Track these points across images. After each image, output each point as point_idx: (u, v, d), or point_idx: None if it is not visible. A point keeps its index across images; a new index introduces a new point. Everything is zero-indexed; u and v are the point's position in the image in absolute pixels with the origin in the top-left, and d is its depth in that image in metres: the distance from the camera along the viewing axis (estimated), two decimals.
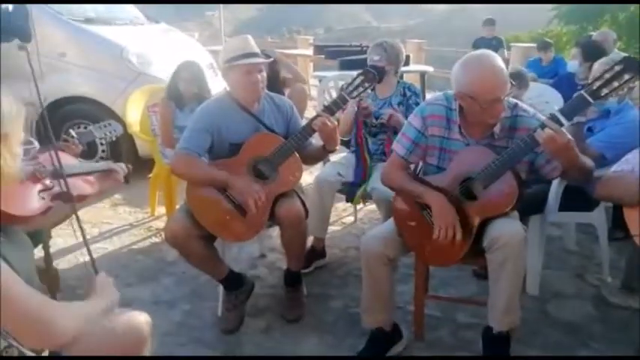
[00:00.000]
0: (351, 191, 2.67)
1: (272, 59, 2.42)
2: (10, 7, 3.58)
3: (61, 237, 2.84)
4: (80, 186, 1.80)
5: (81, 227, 1.54)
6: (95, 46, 3.96)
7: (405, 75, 4.81)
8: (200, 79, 3.30)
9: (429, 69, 5.98)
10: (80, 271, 2.68)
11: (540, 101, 3.07)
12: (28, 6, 3.75)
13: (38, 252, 2.31)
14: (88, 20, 4.12)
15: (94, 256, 2.95)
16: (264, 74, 2.23)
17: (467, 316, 2.30)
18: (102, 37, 3.99)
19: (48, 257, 2.33)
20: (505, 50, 6.81)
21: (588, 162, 1.85)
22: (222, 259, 2.28)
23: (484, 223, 1.87)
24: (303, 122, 2.32)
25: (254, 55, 2.18)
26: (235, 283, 2.30)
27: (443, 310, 2.34)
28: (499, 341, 1.90)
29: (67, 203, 1.64)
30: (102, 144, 3.83)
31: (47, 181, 1.66)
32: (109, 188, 1.96)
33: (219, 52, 2.36)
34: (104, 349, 1.33)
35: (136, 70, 3.92)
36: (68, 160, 1.88)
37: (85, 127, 3.68)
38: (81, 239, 2.32)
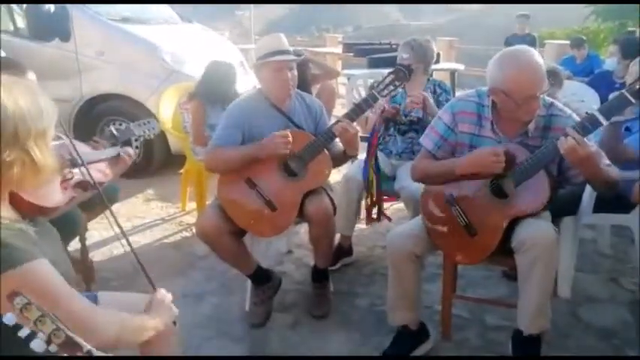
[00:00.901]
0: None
1: (302, 57, 2.43)
2: (52, 7, 3.72)
3: (97, 230, 2.93)
4: (97, 173, 1.86)
5: (119, 225, 1.60)
6: (131, 44, 4.07)
7: (435, 73, 4.75)
8: (230, 77, 3.35)
9: (460, 67, 5.89)
10: (114, 263, 2.77)
11: (575, 100, 2.99)
12: (69, 6, 3.92)
13: (75, 244, 2.41)
14: (125, 20, 4.24)
15: (128, 249, 3.04)
16: (295, 72, 2.24)
17: (496, 317, 2.27)
18: (138, 37, 4.10)
19: (84, 249, 2.42)
20: (537, 47, 6.64)
21: (613, 173, 1.79)
22: (251, 255, 2.31)
23: (514, 223, 1.84)
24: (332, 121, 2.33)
25: (285, 52, 2.20)
26: (263, 278, 2.33)
27: (471, 311, 2.32)
28: (529, 344, 1.87)
29: (86, 191, 1.71)
30: (136, 140, 3.94)
31: (67, 171, 1.72)
32: (121, 171, 2.02)
33: (249, 50, 2.39)
34: (135, 338, 1.37)
35: (169, 69, 4.01)
36: (81, 148, 1.94)
37: (120, 124, 3.81)
38: (116, 232, 2.38)
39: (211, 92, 3.28)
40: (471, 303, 2.34)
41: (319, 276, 2.40)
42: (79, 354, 0.86)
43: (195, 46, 4.48)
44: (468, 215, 1.89)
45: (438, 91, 2.75)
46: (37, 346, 0.83)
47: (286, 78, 2.19)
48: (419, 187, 2.15)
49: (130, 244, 1.58)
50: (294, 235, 3.00)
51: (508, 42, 6.56)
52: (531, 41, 6.69)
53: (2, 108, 0.98)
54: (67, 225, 2.10)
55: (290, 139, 2.09)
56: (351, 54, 6.32)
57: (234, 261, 2.28)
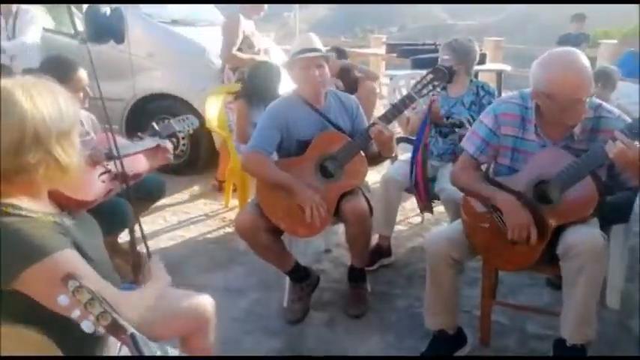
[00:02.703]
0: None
1: (331, 55, 2.44)
2: (108, 10, 3.90)
3: (146, 224, 3.05)
4: (134, 165, 1.92)
5: (139, 223, 1.66)
6: (180, 46, 4.21)
7: (480, 74, 4.65)
8: (273, 78, 3.41)
9: (506, 68, 5.73)
10: (162, 255, 2.87)
11: (629, 102, 2.85)
12: (123, 10, 4.11)
13: (125, 236, 2.53)
14: (174, 22, 4.39)
15: (172, 243, 3.15)
16: (325, 70, 2.24)
17: (537, 326, 2.21)
18: (186, 38, 4.24)
19: (133, 241, 2.54)
20: (585, 45, 6.36)
21: None
22: (289, 252, 2.35)
23: (560, 229, 1.78)
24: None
25: (311, 50, 2.21)
26: (301, 276, 2.37)
27: (511, 318, 2.26)
28: (573, 354, 1.81)
29: (123, 183, 1.78)
30: (183, 138, 4.08)
31: (104, 164, 1.80)
32: (160, 164, 2.09)
33: None
34: (172, 325, 1.43)
35: (215, 69, 4.13)
36: (119, 141, 2.03)
37: (163, 121, 3.94)
38: (164, 226, 2.47)
39: (255, 92, 3.35)
40: (511, 310, 2.29)
41: (356, 276, 2.41)
42: (123, 336, 0.92)
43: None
44: None
45: (482, 93, 2.70)
46: (87, 327, 0.89)
47: (314, 75, 2.21)
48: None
49: (145, 242, 1.68)
50: (333, 234, 3.02)
51: (561, 41, 6.32)
52: (585, 41, 6.42)
53: (21, 112, 1.00)
54: (116, 217, 2.22)
55: (318, 213, 2.09)
56: (395, 55, 6.27)
57: (271, 258, 2.32)
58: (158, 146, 2.06)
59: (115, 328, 0.91)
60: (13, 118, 1.00)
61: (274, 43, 5.64)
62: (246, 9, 3.90)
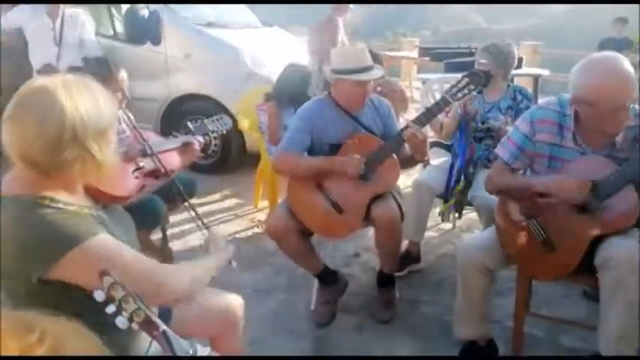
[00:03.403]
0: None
1: (382, 75, 2.45)
2: (146, 13, 4.01)
3: (176, 223, 3.11)
4: (167, 161, 1.97)
5: (194, 209, 1.70)
6: (215, 47, 4.28)
7: (516, 78, 4.56)
8: (305, 80, 3.43)
9: (544, 72, 5.59)
10: (191, 253, 2.93)
11: None
12: (160, 12, 4.22)
13: (156, 233, 2.59)
14: (210, 24, 4.47)
15: (201, 242, 3.18)
16: (370, 86, 2.25)
17: (573, 339, 2.14)
18: (220, 40, 4.30)
19: (164, 238, 2.59)
20: (628, 51, 6.13)
21: None
22: (317, 255, 2.35)
23: (598, 239, 1.72)
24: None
25: (369, 68, 2.19)
26: (330, 279, 2.36)
27: (545, 331, 2.20)
28: None
29: (158, 179, 1.82)
30: (215, 138, 4.14)
31: (138, 161, 1.85)
32: (190, 160, 2.13)
33: None
34: (202, 323, 1.45)
35: (249, 71, 4.18)
36: (153, 138, 2.07)
37: (197, 121, 4.00)
38: (194, 225, 2.50)
39: (286, 94, 3.37)
40: (545, 321, 2.22)
41: (385, 281, 2.39)
42: (155, 332, 0.93)
43: (274, 49, 4.63)
44: (547, 230, 1.79)
45: (519, 97, 2.64)
46: (121, 322, 0.91)
47: (365, 93, 2.21)
48: (494, 197, 2.08)
49: (204, 223, 1.74)
50: (362, 238, 3.00)
51: (602, 46, 6.12)
52: (628, 46, 6.20)
53: (61, 109, 1.03)
54: (149, 214, 2.27)
55: (361, 166, 2.09)
56: (428, 58, 6.21)
57: (300, 260, 2.32)
58: (189, 143, 2.11)
59: (148, 325, 0.93)
60: (53, 116, 1.03)
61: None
62: (334, 9, 4.13)
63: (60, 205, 1.08)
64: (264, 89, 3.74)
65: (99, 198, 1.26)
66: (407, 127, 2.12)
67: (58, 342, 0.46)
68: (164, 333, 0.94)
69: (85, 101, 1.07)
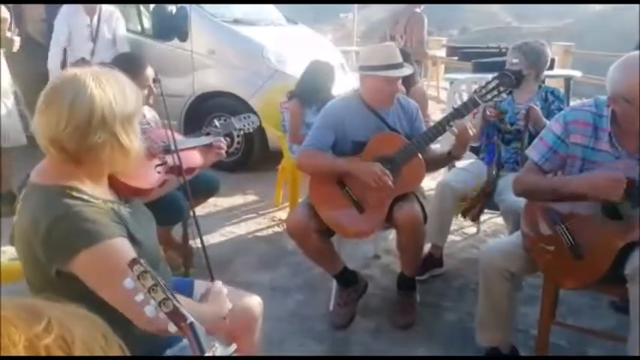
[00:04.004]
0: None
1: (411, 73, 2.41)
2: (174, 9, 4.06)
3: (198, 219, 3.12)
4: (189, 159, 1.98)
5: (196, 221, 1.68)
6: (240, 44, 4.29)
7: (547, 80, 4.42)
8: (328, 79, 3.40)
9: (576, 74, 5.42)
10: (211, 250, 2.92)
11: None
12: (188, 8, 4.25)
13: (177, 229, 2.59)
14: (236, 21, 4.49)
15: (222, 239, 3.19)
16: (399, 85, 2.22)
17: (599, 350, 2.06)
18: (246, 37, 4.31)
19: (186, 235, 2.60)
20: None
21: None
22: (338, 255, 2.32)
23: (629, 248, 1.64)
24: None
25: (399, 65, 2.15)
26: (349, 280, 2.33)
27: (571, 341, 2.12)
28: None
29: (178, 176, 1.82)
30: (238, 135, 4.15)
31: (161, 156, 1.86)
32: (213, 160, 2.13)
33: (350, 52, 2.40)
34: (220, 321, 1.43)
35: (272, 68, 4.17)
36: (178, 137, 2.08)
37: (225, 120, 4.02)
38: (215, 222, 2.49)
39: (309, 92, 3.35)
40: (571, 332, 2.14)
41: (405, 284, 2.35)
42: (182, 324, 0.92)
43: (299, 47, 4.61)
44: (575, 236, 1.72)
45: (550, 98, 2.55)
46: (150, 311, 0.90)
47: (394, 90, 2.17)
48: (521, 201, 2.01)
49: (202, 240, 1.69)
50: (383, 240, 2.95)
51: None
52: None
53: (91, 95, 1.09)
54: (172, 211, 2.28)
55: (386, 180, 2.05)
56: (455, 58, 6.10)
57: (320, 259, 2.30)
58: (212, 143, 2.11)
59: (176, 316, 0.92)
60: (84, 101, 1.08)
61: (331, 44, 5.64)
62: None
63: (85, 197, 1.12)
64: (287, 87, 3.73)
65: (121, 191, 1.29)
66: (452, 119, 2.05)
67: (65, 330, 0.45)
68: (191, 325, 0.93)
69: (113, 88, 1.13)
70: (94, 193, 1.15)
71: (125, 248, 1.12)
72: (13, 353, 0.41)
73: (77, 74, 1.12)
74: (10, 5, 3.38)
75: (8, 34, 3.18)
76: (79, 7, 3.84)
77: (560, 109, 2.35)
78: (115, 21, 3.92)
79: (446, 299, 2.49)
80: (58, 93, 1.10)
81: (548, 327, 1.95)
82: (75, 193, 1.10)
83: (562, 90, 3.82)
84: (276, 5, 5.36)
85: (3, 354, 0.40)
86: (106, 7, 3.90)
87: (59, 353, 0.43)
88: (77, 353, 0.44)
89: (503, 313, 1.86)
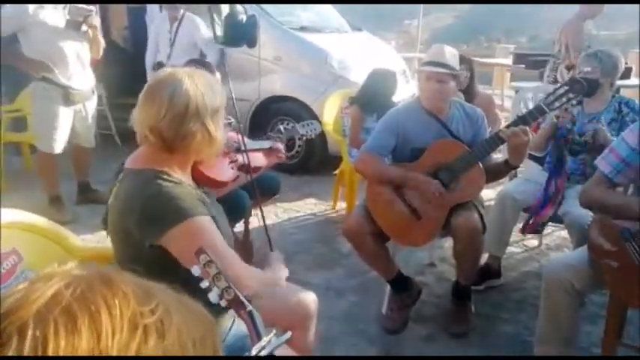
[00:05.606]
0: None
1: (464, 74, 2.39)
2: (244, 17, 4.24)
3: (258, 216, 3.24)
4: (255, 159, 2.12)
5: (261, 210, 1.77)
6: (305, 51, 4.41)
7: (622, 89, 4.19)
8: (389, 85, 3.42)
9: None
10: (267, 247, 3.03)
11: None
12: (258, 16, 4.43)
13: (239, 226, 2.71)
14: (303, 28, 4.61)
15: (281, 239, 3.28)
16: (448, 86, 2.15)
17: None
18: (310, 44, 4.42)
19: (247, 232, 2.71)
20: None
21: None
22: (392, 260, 2.33)
23: None
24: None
25: (438, 64, 2.14)
26: (403, 286, 2.33)
27: None
28: None
29: (247, 174, 1.93)
30: (299, 139, 4.26)
31: (233, 155, 2.00)
32: (274, 162, 2.26)
33: (413, 59, 2.42)
34: (277, 314, 1.50)
35: (335, 74, 4.24)
36: (245, 140, 2.21)
37: (288, 124, 4.15)
38: (275, 221, 2.58)
39: (369, 99, 3.39)
40: (639, 354, 2.03)
41: (460, 293, 2.32)
42: (242, 311, 1.00)
43: (362, 53, 4.66)
44: None
45: (625, 110, 2.43)
46: (213, 297, 1.00)
47: (434, 89, 2.16)
48: (587, 214, 1.94)
49: (266, 228, 1.71)
50: (438, 248, 2.93)
51: None
52: None
53: (187, 90, 1.23)
54: (236, 207, 2.40)
55: (436, 197, 2.07)
56: (523, 66, 5.89)
57: (375, 263, 2.32)
58: (276, 148, 2.24)
59: (237, 304, 1.00)
60: (181, 94, 1.23)
61: (394, 51, 5.64)
62: (585, 9, 3.81)
63: (175, 180, 1.25)
64: (349, 93, 3.79)
65: (201, 181, 1.42)
66: (507, 126, 2.03)
67: (166, 315, 0.45)
68: (250, 313, 1.00)
69: (203, 84, 1.27)
70: (182, 179, 1.28)
71: (212, 227, 1.24)
72: (117, 322, 0.43)
73: (174, 72, 1.27)
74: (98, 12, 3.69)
75: (101, 40, 3.46)
76: (165, 15, 4.15)
77: (634, 122, 2.24)
78: (194, 27, 4.12)
79: (503, 311, 2.43)
80: (158, 87, 1.24)
81: (613, 347, 1.86)
82: (166, 177, 1.24)
83: (637, 101, 3.63)
84: (341, 12, 5.45)
85: (108, 319, 0.42)
86: (188, 15, 4.14)
87: (154, 334, 0.44)
88: (169, 339, 0.44)
89: (564, 328, 1.80)
